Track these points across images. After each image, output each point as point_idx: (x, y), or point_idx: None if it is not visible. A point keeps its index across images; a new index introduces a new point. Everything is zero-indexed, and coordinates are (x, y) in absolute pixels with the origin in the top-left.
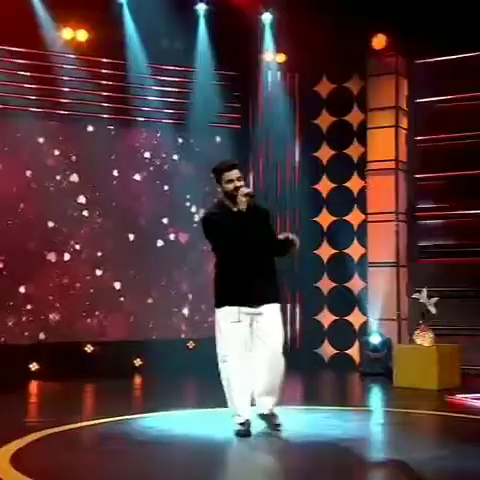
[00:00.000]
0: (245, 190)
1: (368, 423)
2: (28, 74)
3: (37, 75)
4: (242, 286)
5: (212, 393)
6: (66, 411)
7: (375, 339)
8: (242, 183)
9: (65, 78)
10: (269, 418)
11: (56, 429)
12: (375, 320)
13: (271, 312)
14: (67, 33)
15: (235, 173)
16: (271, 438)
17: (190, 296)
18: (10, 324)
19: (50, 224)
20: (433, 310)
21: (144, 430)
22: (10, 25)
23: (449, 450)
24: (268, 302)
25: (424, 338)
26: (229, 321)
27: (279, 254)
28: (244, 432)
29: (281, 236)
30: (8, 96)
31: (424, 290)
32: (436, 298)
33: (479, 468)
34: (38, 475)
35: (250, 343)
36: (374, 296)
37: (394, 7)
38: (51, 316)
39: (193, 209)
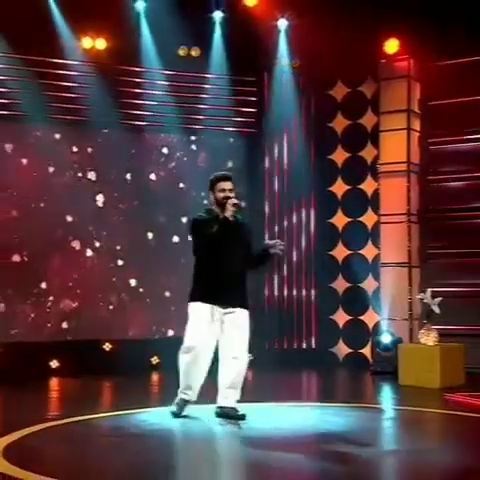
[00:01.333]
0: (234, 200)
1: (357, 419)
2: (48, 82)
3: (57, 83)
4: (216, 286)
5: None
6: (71, 406)
7: (386, 338)
8: (233, 194)
9: (82, 85)
10: (230, 411)
11: (54, 423)
12: (386, 319)
13: (240, 316)
14: (86, 42)
15: (228, 184)
16: (254, 432)
17: None
18: (30, 320)
19: (68, 218)
20: (437, 310)
21: (140, 424)
22: (29, 33)
23: (427, 444)
24: (238, 306)
25: (428, 337)
26: (200, 316)
27: (252, 267)
28: (180, 408)
29: (269, 242)
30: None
31: (428, 290)
32: (440, 298)
33: (458, 462)
34: (27, 466)
35: (216, 340)
36: (386, 296)
37: (406, 11)
38: (69, 313)
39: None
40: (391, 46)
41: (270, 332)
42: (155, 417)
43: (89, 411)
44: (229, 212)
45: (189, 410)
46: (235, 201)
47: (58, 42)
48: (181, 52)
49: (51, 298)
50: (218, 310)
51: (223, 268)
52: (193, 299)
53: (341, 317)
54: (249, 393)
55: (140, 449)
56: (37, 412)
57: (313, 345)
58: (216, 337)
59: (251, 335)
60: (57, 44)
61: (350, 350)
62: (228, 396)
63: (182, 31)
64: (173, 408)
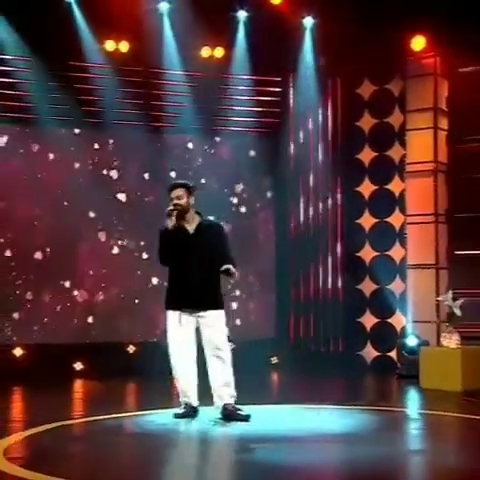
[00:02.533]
0: (167, 209)
1: (365, 421)
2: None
3: (80, 87)
4: (181, 292)
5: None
6: (84, 407)
7: (411, 341)
8: (180, 201)
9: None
10: (232, 411)
11: (57, 424)
12: (412, 322)
13: (212, 318)
14: (109, 45)
15: (175, 192)
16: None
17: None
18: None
19: (91, 214)
20: (458, 312)
21: (145, 424)
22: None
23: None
24: (208, 308)
25: (450, 340)
26: (171, 323)
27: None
28: (183, 414)
29: (223, 268)
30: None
31: (450, 292)
32: (461, 300)
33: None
34: (27, 465)
35: (195, 342)
36: (413, 298)
37: (434, 7)
38: (91, 315)
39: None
40: (418, 43)
41: (296, 335)
42: (163, 418)
43: (99, 412)
44: (169, 222)
45: (196, 413)
46: (167, 210)
47: (80, 45)
48: (204, 53)
49: (72, 298)
50: (188, 316)
51: (186, 275)
52: (166, 307)
53: (368, 320)
54: (270, 395)
55: (137, 449)
56: (49, 412)
57: (340, 348)
58: (193, 340)
59: (276, 337)
60: (79, 47)
61: (378, 353)
62: (222, 394)
63: (205, 31)
64: (178, 411)
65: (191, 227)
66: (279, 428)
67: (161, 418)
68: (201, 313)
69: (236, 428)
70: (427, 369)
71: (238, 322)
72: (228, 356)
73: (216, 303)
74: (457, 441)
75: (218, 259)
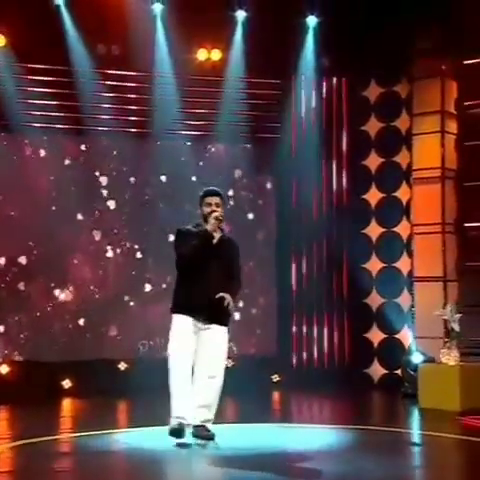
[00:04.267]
0: (217, 214)
1: (340, 440)
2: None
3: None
4: (196, 301)
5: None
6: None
7: (417, 358)
8: (218, 209)
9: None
10: (201, 430)
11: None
12: (418, 338)
13: (217, 333)
14: (101, 49)
15: (215, 199)
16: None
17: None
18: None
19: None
20: (457, 327)
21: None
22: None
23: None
24: (216, 322)
25: (450, 357)
26: (181, 329)
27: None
28: (175, 431)
29: (218, 295)
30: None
31: (448, 306)
32: (460, 314)
33: None
34: None
35: (194, 354)
36: (420, 312)
37: (441, 5)
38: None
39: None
40: (422, 43)
41: (298, 351)
42: (154, 436)
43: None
44: (210, 226)
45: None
46: (217, 214)
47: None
48: (200, 55)
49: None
50: (197, 324)
51: (204, 282)
52: (175, 311)
53: (376, 335)
54: (266, 414)
55: (124, 466)
56: (35, 429)
57: (346, 365)
58: (193, 352)
59: (277, 354)
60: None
61: (385, 371)
62: (197, 415)
63: (202, 33)
64: (172, 427)
65: (216, 238)
66: (261, 446)
67: (151, 435)
68: (208, 325)
69: (225, 445)
70: (426, 387)
71: (238, 336)
72: (220, 381)
73: (225, 318)
74: (438, 464)
75: (228, 275)
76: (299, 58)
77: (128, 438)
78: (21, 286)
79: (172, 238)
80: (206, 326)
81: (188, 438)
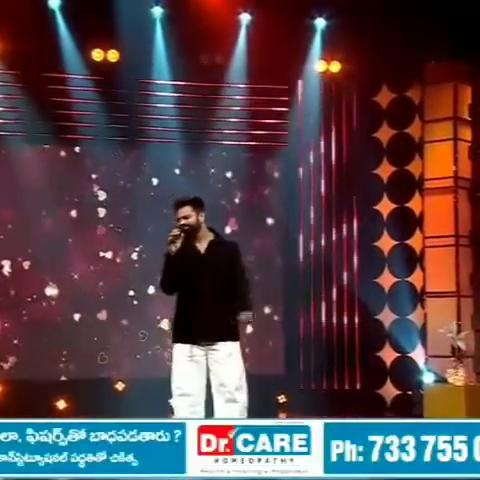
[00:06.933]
0: (172, 232)
1: None
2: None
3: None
4: (189, 323)
5: None
6: None
7: (428, 379)
8: (184, 222)
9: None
10: None
11: None
12: (430, 357)
13: (224, 352)
14: (98, 55)
15: (181, 212)
16: None
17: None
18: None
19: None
20: (463, 346)
21: None
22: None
23: None
24: (220, 340)
25: (456, 376)
26: (181, 357)
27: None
28: None
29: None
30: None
31: (454, 323)
32: (465, 332)
33: None
34: None
35: (205, 381)
36: (432, 330)
37: (455, 8)
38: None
39: None
40: (435, 47)
41: (306, 370)
42: None
43: None
44: (171, 247)
45: None
46: (170, 234)
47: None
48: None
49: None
50: (198, 349)
51: (196, 300)
52: (173, 340)
53: (388, 354)
54: None
55: None
56: None
57: (357, 386)
58: (204, 378)
59: (284, 373)
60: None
61: (398, 392)
62: None
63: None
64: None
65: (202, 246)
66: None
67: None
68: (211, 346)
69: None
70: (431, 408)
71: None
72: (242, 405)
73: (229, 333)
74: None
75: (229, 280)
76: (308, 63)
77: None
78: None
79: None
80: (209, 348)
81: None
